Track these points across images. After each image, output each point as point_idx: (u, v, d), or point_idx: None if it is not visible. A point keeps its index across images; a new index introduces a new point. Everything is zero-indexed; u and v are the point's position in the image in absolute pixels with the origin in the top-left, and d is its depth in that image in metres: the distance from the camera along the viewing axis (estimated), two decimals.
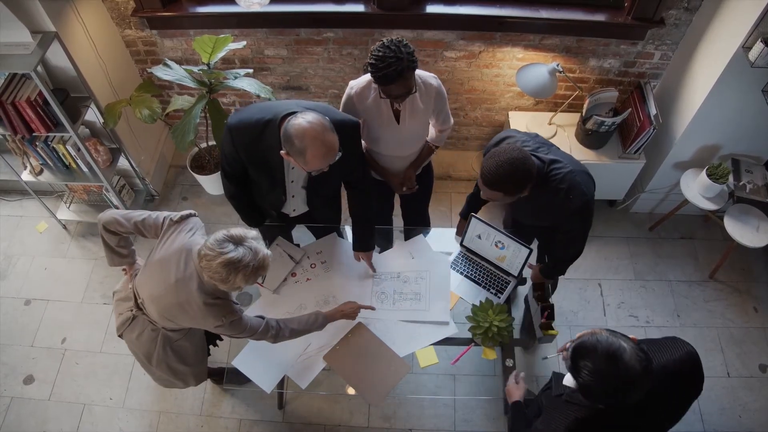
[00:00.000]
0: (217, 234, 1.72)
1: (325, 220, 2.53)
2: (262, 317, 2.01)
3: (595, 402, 1.45)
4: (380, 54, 1.94)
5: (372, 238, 2.40)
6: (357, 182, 2.27)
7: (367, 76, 2.15)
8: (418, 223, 2.86)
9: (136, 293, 2.03)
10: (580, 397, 1.54)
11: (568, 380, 1.63)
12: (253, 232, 1.76)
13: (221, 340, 2.58)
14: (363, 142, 2.37)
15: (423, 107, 2.23)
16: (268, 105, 2.01)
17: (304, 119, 1.80)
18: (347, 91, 2.24)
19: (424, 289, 2.39)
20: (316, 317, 2.13)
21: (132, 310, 2.06)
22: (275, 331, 2.01)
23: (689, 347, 1.70)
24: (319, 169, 1.89)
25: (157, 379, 2.40)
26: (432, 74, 2.24)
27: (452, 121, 2.43)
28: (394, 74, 1.94)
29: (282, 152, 1.87)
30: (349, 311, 2.21)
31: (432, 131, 2.46)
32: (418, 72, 2.14)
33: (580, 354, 1.39)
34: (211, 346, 2.50)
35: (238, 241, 1.70)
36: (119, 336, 2.16)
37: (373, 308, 2.29)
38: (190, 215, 1.95)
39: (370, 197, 2.34)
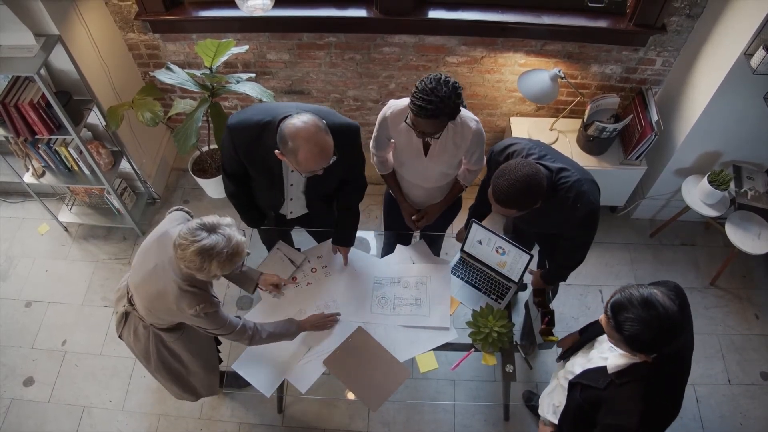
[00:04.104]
0: (190, 223, 1.70)
1: (323, 223, 2.53)
2: (239, 317, 2.02)
3: (646, 351, 1.47)
4: (430, 87, 1.86)
5: (352, 234, 2.40)
6: (352, 180, 2.27)
7: (407, 100, 2.03)
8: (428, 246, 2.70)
9: (129, 288, 2.03)
10: (631, 372, 1.56)
11: (612, 364, 1.62)
12: (227, 219, 1.74)
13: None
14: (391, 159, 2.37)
15: (454, 147, 2.16)
16: (268, 106, 2.01)
17: (298, 119, 1.80)
18: (384, 109, 2.19)
19: (424, 294, 2.38)
20: (290, 324, 2.16)
21: (125, 306, 2.06)
22: (251, 333, 2.02)
23: (670, 283, 1.72)
24: (311, 171, 1.88)
25: (167, 387, 2.40)
26: (474, 117, 2.14)
27: (485, 161, 2.29)
28: (430, 112, 1.87)
29: (277, 152, 1.87)
30: (318, 322, 2.24)
31: (461, 168, 2.37)
32: (461, 110, 2.06)
33: (618, 310, 1.44)
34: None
35: (211, 229, 1.69)
36: (119, 336, 2.16)
37: (338, 314, 2.31)
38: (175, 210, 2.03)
39: (359, 193, 2.33)
